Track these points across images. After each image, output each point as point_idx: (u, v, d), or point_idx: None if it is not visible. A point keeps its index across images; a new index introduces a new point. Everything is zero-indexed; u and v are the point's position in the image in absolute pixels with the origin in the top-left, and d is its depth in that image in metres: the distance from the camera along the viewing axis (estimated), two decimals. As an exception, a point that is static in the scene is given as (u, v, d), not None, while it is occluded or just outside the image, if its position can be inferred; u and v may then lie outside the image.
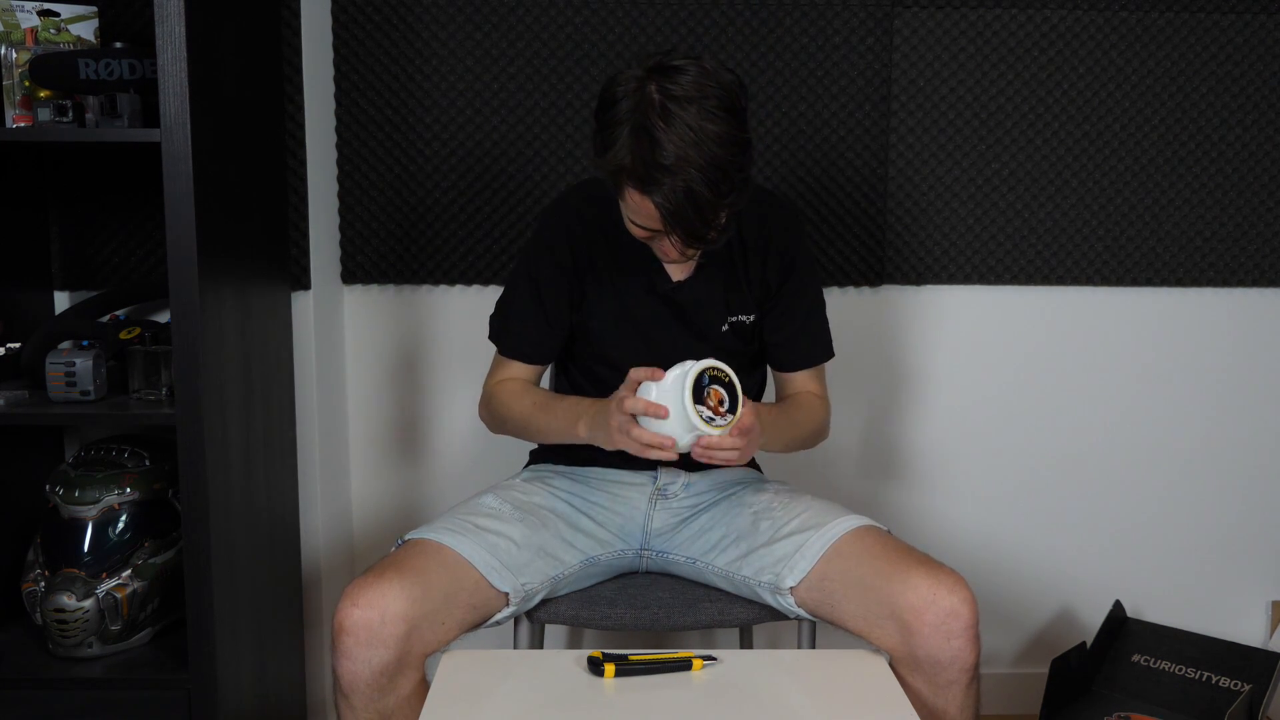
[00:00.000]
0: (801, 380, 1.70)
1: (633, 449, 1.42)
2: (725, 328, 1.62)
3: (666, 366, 1.62)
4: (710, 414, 1.38)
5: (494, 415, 1.65)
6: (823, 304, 1.70)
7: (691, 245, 1.42)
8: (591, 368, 1.65)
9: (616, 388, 1.64)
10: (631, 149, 1.35)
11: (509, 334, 1.65)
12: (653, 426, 1.40)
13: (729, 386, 1.40)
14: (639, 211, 1.41)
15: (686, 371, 1.38)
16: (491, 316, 1.68)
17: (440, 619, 1.40)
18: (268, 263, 1.85)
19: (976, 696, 1.43)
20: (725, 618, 1.58)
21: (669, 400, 1.39)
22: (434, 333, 2.15)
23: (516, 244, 2.10)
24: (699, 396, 1.37)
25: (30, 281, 1.93)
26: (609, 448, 1.46)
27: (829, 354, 1.71)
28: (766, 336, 1.67)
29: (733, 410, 1.40)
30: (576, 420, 1.52)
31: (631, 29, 2.04)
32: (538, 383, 1.68)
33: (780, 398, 1.72)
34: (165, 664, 1.70)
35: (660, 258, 1.54)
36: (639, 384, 1.42)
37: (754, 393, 1.73)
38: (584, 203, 1.62)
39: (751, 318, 1.63)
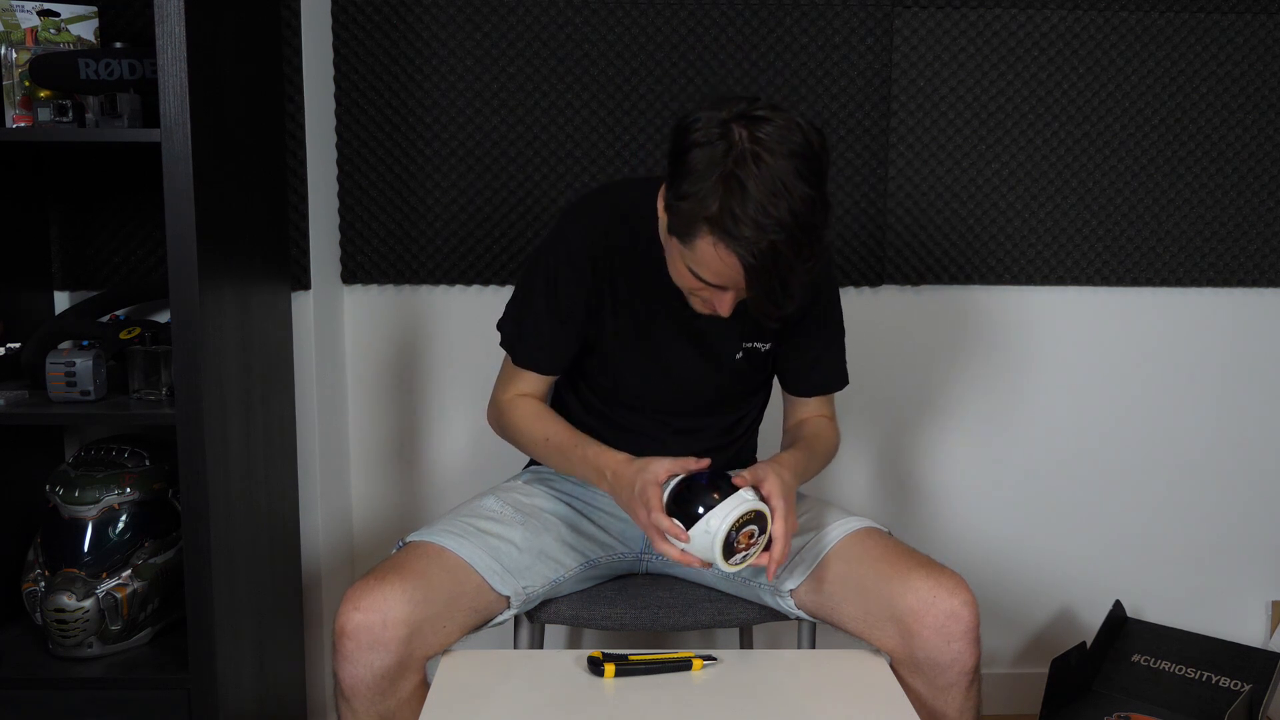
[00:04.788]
0: (814, 404, 1.67)
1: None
2: (739, 355, 1.58)
3: (675, 388, 1.57)
4: (744, 554, 1.36)
5: (505, 433, 1.62)
6: (842, 333, 1.65)
7: (766, 309, 1.33)
8: (599, 382, 1.62)
9: (622, 400, 1.60)
10: (720, 200, 1.26)
11: (523, 341, 1.58)
12: (680, 545, 1.36)
13: (759, 518, 1.35)
14: (711, 267, 1.32)
15: (714, 537, 1.32)
16: (501, 322, 1.61)
17: (442, 622, 1.40)
18: (268, 263, 1.85)
19: (977, 698, 1.43)
20: (725, 618, 1.58)
21: (699, 553, 1.35)
22: (434, 333, 2.15)
23: (517, 244, 2.10)
24: (729, 550, 1.34)
25: (30, 281, 1.93)
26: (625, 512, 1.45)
27: (843, 383, 1.67)
28: (782, 363, 1.63)
29: (763, 530, 1.36)
30: (597, 478, 1.48)
31: (631, 29, 2.04)
32: (549, 393, 1.64)
33: (789, 419, 1.69)
34: (165, 664, 1.70)
35: (696, 306, 1.45)
36: (664, 499, 1.37)
37: (754, 414, 1.70)
38: (606, 212, 1.54)
39: (767, 346, 1.59)
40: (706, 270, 1.33)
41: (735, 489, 1.36)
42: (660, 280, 1.48)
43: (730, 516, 1.32)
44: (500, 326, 1.61)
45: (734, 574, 1.38)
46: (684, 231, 1.32)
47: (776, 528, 1.36)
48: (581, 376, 1.63)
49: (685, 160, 1.30)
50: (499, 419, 1.63)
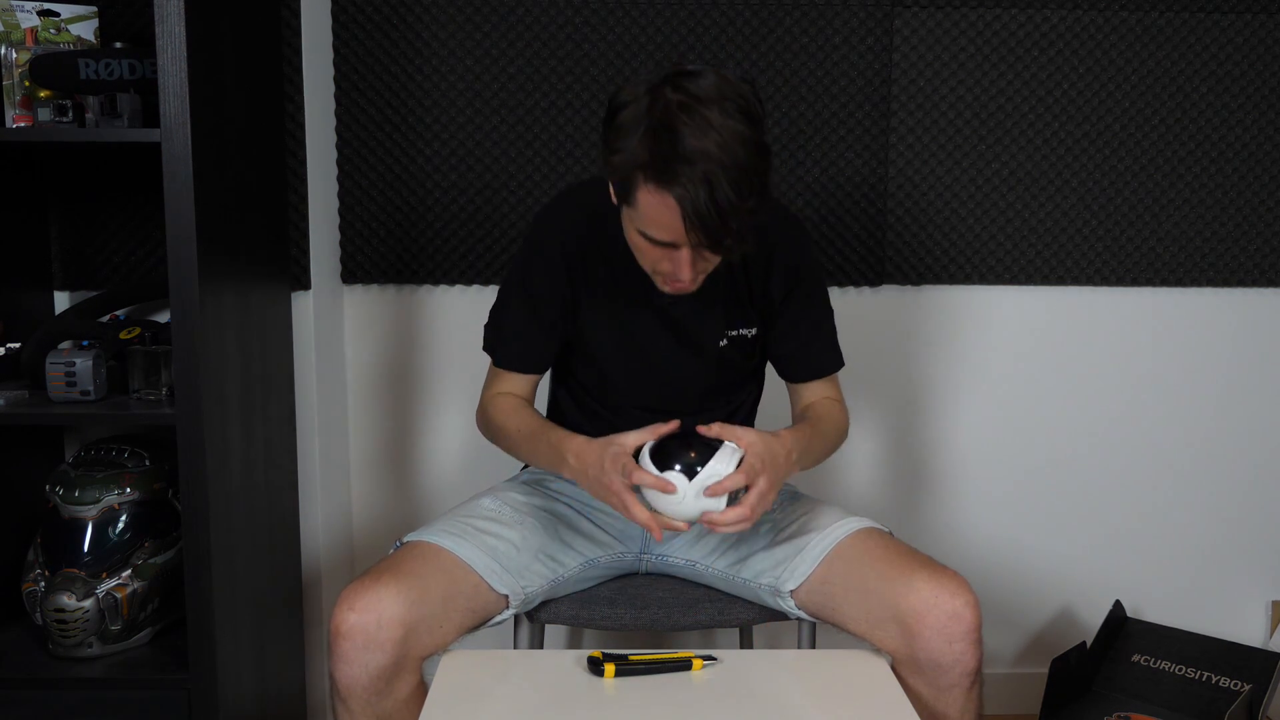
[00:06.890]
0: (817, 387, 1.66)
1: (626, 515, 1.39)
2: (724, 342, 1.58)
3: (662, 381, 1.57)
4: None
5: (487, 431, 1.63)
6: (831, 313, 1.64)
7: (710, 249, 1.33)
8: (587, 380, 1.63)
9: (611, 398, 1.61)
10: (649, 145, 1.28)
11: (503, 344, 1.61)
12: (657, 504, 1.37)
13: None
14: (654, 219, 1.32)
15: (717, 478, 1.34)
16: (485, 326, 1.64)
17: (438, 622, 1.39)
18: (268, 263, 1.85)
19: (979, 700, 1.42)
20: (725, 618, 1.57)
21: (684, 507, 1.35)
22: (434, 333, 2.16)
23: (516, 244, 2.09)
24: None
25: (30, 281, 1.93)
26: (595, 496, 1.44)
27: (839, 364, 1.66)
28: (773, 348, 1.63)
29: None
30: (560, 463, 1.48)
31: (631, 29, 2.04)
32: (534, 392, 1.64)
33: (795, 406, 1.67)
34: (165, 664, 1.70)
35: (663, 286, 1.45)
36: (639, 463, 1.38)
37: (748, 406, 1.70)
38: (577, 210, 1.56)
39: (754, 331, 1.59)
40: (652, 225, 1.33)
41: (719, 443, 1.37)
42: (634, 273, 1.49)
43: (732, 461, 1.34)
44: (484, 329, 1.64)
45: (703, 513, 1.37)
46: (624, 190, 1.34)
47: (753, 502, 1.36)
48: (570, 374, 1.65)
49: (615, 121, 1.33)
50: (483, 417, 1.63)
